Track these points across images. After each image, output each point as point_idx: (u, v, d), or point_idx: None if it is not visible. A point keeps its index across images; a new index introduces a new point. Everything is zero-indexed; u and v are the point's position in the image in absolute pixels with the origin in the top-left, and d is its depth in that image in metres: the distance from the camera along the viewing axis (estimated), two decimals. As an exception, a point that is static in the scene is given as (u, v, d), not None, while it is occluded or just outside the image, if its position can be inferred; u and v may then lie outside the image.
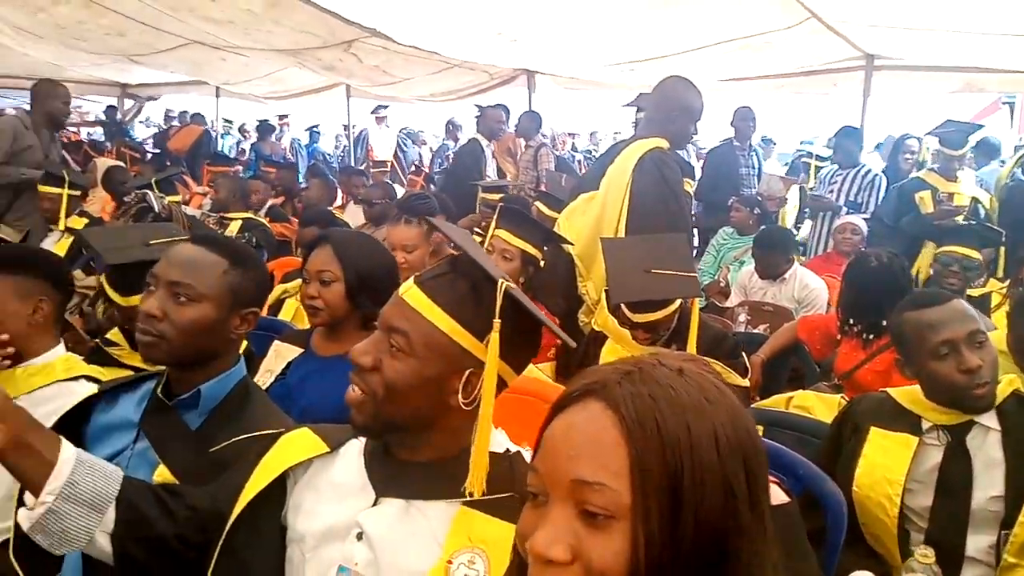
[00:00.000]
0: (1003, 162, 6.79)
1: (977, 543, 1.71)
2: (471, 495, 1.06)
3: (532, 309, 1.10)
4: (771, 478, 0.99)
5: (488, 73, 7.48)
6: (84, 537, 1.14)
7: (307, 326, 2.42)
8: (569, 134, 11.69)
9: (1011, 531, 1.66)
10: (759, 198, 5.50)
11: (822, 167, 6.11)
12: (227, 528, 1.16)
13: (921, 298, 1.87)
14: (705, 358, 2.55)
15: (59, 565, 1.45)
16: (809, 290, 4.04)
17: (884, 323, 2.72)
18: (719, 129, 7.53)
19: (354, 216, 4.95)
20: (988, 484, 1.70)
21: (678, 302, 2.49)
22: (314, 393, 2.01)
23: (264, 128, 10.65)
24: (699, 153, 8.55)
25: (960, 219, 4.41)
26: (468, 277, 1.11)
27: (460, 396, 1.08)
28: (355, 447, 1.21)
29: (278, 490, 1.20)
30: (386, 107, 10.48)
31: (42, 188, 4.13)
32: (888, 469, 1.76)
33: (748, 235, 4.99)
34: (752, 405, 2.60)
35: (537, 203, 4.65)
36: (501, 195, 4.64)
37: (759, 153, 6.32)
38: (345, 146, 10.69)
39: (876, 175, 5.39)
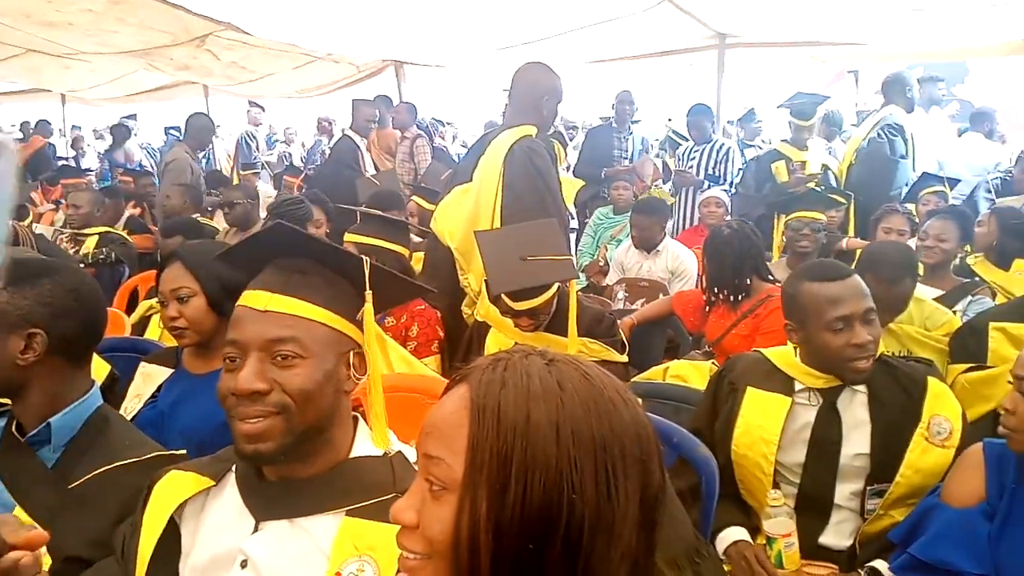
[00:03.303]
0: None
1: (843, 491, 1.84)
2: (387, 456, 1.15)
3: (395, 274, 1.28)
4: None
5: (354, 66, 7.33)
6: None
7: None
8: (446, 123, 11.55)
9: (878, 485, 1.79)
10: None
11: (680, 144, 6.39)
12: None
13: (821, 270, 1.88)
14: (587, 339, 2.62)
15: None
16: (680, 261, 4.23)
17: (748, 282, 2.91)
18: (599, 109, 7.78)
19: (222, 222, 4.75)
20: (855, 443, 1.82)
21: (556, 286, 2.55)
22: (192, 414, 1.92)
23: (120, 132, 9.69)
24: (569, 134, 8.79)
25: (812, 185, 4.70)
26: (318, 269, 1.16)
27: (354, 374, 1.16)
28: (231, 476, 1.18)
29: (173, 538, 1.16)
30: (262, 108, 10.05)
31: None
32: (763, 429, 1.85)
33: (624, 214, 5.16)
34: (632, 379, 2.70)
35: (415, 198, 4.63)
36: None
37: (636, 137, 6.50)
38: (210, 149, 10.12)
39: (729, 148, 5.71)
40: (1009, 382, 1.52)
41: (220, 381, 1.11)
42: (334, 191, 5.13)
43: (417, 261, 3.49)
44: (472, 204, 3.11)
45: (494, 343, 2.72)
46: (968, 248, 3.53)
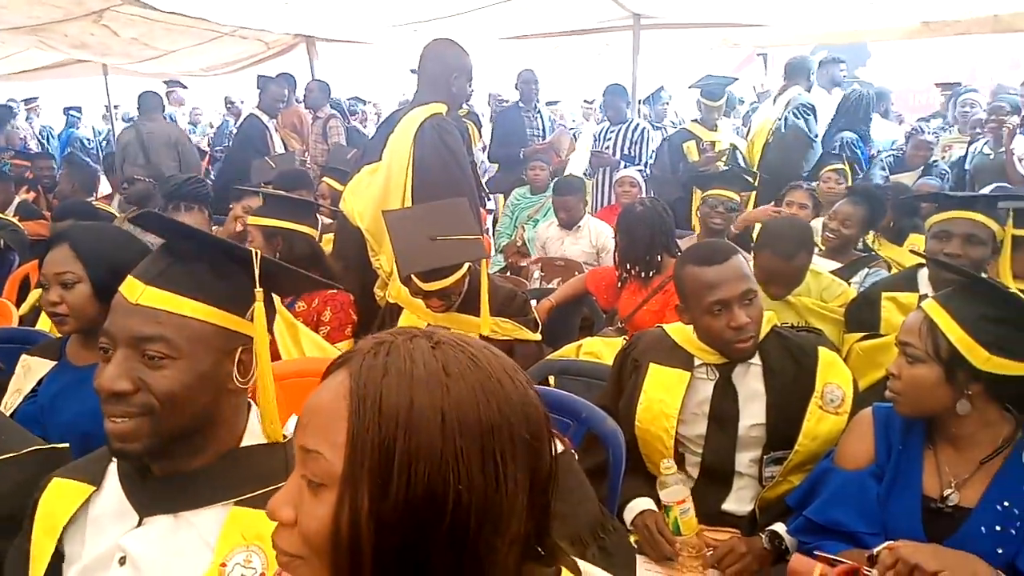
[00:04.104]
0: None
1: (743, 460, 1.90)
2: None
3: (286, 267, 1.18)
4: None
5: (263, 42, 7.07)
6: None
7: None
8: (367, 102, 11.25)
9: (775, 453, 1.84)
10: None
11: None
12: None
13: (702, 254, 1.89)
14: (499, 318, 2.60)
15: None
16: (604, 236, 4.27)
17: (659, 259, 2.95)
18: (509, 89, 7.78)
19: (123, 206, 4.54)
20: (752, 414, 1.87)
21: (467, 266, 2.53)
22: (73, 407, 1.81)
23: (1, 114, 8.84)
24: (500, 106, 8.74)
25: (721, 164, 4.81)
26: (204, 259, 1.08)
27: (237, 376, 1.07)
28: (112, 473, 1.12)
29: (59, 555, 1.10)
30: (184, 86, 9.61)
31: None
32: (664, 404, 1.89)
33: (541, 194, 5.17)
34: (547, 356, 2.70)
35: (326, 179, 4.51)
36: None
37: (544, 116, 6.52)
38: (109, 130, 9.56)
39: (644, 128, 5.77)
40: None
41: (95, 373, 1.04)
42: (244, 174, 4.96)
43: (327, 243, 3.41)
44: (382, 183, 3.05)
45: (406, 324, 2.68)
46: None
